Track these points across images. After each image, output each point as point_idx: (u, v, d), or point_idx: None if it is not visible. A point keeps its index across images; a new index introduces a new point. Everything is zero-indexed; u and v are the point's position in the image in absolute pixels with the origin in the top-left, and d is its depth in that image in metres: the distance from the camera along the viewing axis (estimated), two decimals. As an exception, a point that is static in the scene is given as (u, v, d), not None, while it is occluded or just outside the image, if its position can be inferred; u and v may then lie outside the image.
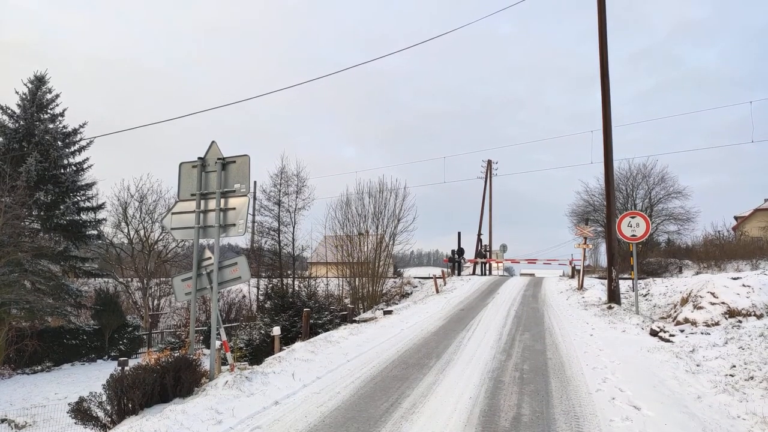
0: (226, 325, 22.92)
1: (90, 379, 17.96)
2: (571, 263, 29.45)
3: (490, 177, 42.53)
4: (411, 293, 26.74)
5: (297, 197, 29.31)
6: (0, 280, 19.33)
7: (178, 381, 6.62)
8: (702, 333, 9.70)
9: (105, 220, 27.59)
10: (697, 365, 7.65)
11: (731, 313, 10.43)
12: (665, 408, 5.71)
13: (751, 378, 6.76)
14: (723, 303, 10.80)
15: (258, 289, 30.09)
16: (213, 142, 8.19)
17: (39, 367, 20.45)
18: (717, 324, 10.32)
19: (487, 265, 37.71)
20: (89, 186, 26.15)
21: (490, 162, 42.73)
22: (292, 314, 20.63)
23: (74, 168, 25.70)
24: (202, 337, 23.21)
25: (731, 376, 6.98)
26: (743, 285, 11.06)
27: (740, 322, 9.89)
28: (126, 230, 30.56)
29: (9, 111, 24.24)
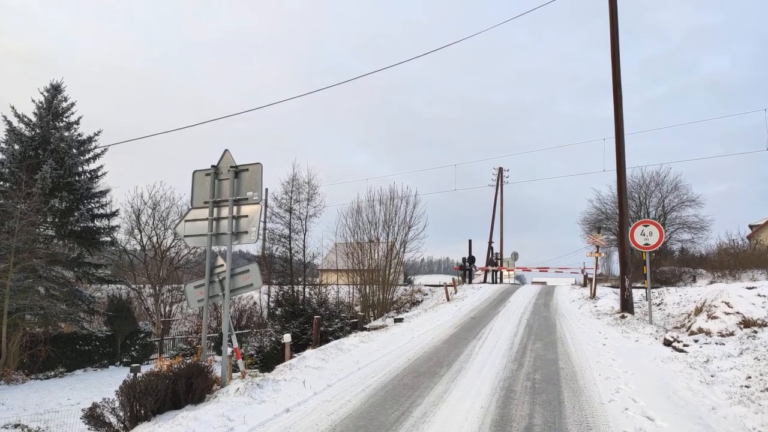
0: (237, 332, 22.99)
1: (102, 385, 18.06)
2: (583, 272, 29.24)
3: (501, 184, 42.45)
4: (421, 301, 26.66)
5: (308, 205, 29.47)
6: (15, 286, 19.55)
7: (190, 388, 6.65)
8: (716, 343, 9.58)
9: (118, 227, 27.87)
10: (712, 376, 7.56)
11: (746, 323, 10.29)
12: (679, 419, 5.65)
13: (767, 389, 6.66)
14: (738, 313, 10.66)
15: (269, 296, 30.19)
16: (226, 150, 8.27)
17: (52, 373, 20.63)
18: (732, 334, 10.18)
19: (498, 273, 37.54)
20: (103, 193, 26.45)
21: (501, 169, 42.66)
22: (302, 321, 20.69)
23: (89, 175, 26.01)
24: (213, 344, 23.30)
25: (747, 387, 6.89)
26: (758, 294, 10.91)
27: (755, 332, 9.76)
28: (139, 237, 30.84)
29: (26, 119, 24.62)
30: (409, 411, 6.15)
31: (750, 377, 7.25)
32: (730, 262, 26.68)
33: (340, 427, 5.64)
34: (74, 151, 25.29)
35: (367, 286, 27.29)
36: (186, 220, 8.59)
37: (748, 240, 36.26)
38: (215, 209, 8.22)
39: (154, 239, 30.90)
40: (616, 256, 35.88)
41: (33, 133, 24.55)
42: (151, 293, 29.76)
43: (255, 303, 31.08)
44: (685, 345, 9.66)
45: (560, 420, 5.72)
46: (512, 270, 39.60)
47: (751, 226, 40.21)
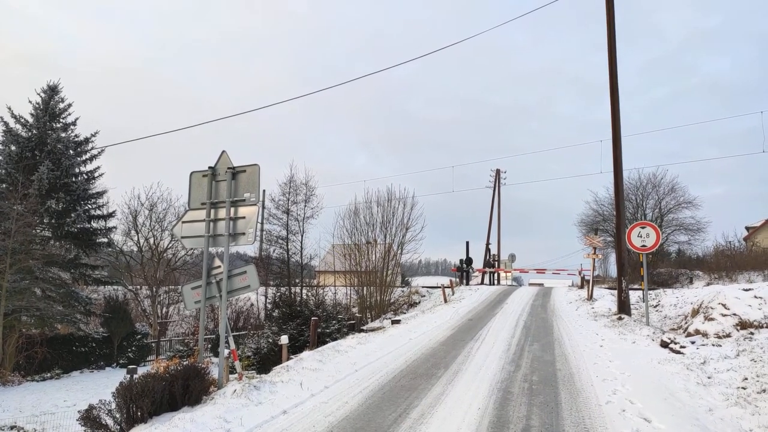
0: (234, 333, 22.95)
1: (99, 386, 18.01)
2: (580, 273, 29.29)
3: (499, 186, 42.48)
4: (419, 302, 26.65)
5: (305, 206, 29.43)
6: (11, 288, 19.49)
7: (186, 389, 6.63)
8: (713, 345, 9.60)
9: (115, 228, 27.84)
10: (709, 377, 7.57)
11: (743, 325, 10.32)
12: (676, 420, 5.65)
13: (764, 391, 6.67)
14: (734, 314, 10.69)
15: (266, 297, 30.16)
16: (223, 151, 8.26)
17: (48, 375, 20.55)
18: (728, 336, 10.21)
19: (496, 275, 37.57)
20: (100, 194, 26.40)
21: (498, 171, 42.70)
22: (299, 323, 20.62)
23: (85, 176, 25.96)
24: (210, 346, 23.25)
25: (743, 388, 6.90)
26: (755, 296, 10.95)
27: (752, 333, 9.78)
28: (136, 238, 30.84)
29: (22, 120, 24.57)
30: (406, 412, 6.14)
31: (747, 379, 7.26)
32: (726, 263, 26.79)
33: (338, 429, 5.63)
34: (71, 152, 25.24)
35: (365, 288, 27.27)
36: (183, 222, 8.58)
37: (745, 242, 36.39)
38: (212, 211, 8.21)
39: (151, 240, 30.89)
40: (613, 258, 36.01)
41: (30, 134, 24.50)
42: (148, 295, 29.71)
43: (252, 304, 31.05)
44: (681, 346, 9.67)
45: (557, 421, 5.72)
46: (509, 271, 39.61)
47: (747, 228, 40.35)
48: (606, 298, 19.49)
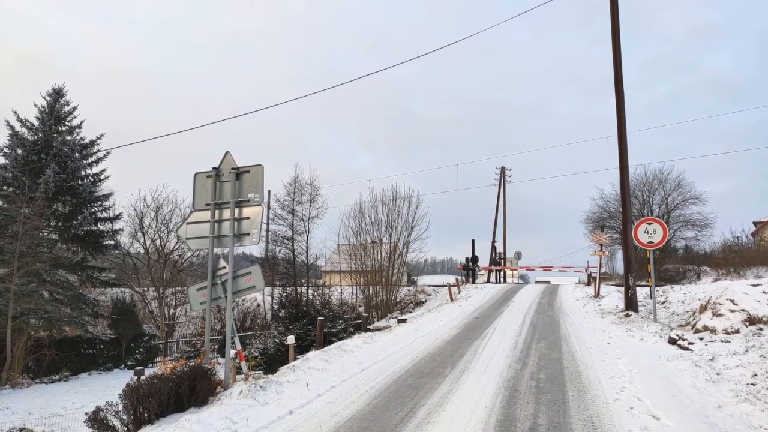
0: (241, 334, 22.97)
1: (107, 388, 18.10)
2: (587, 270, 29.17)
3: (504, 184, 42.39)
4: (425, 301, 26.61)
5: (310, 206, 29.43)
6: (19, 290, 19.59)
7: (193, 390, 6.65)
8: (722, 341, 9.53)
9: (122, 230, 27.96)
10: (717, 374, 7.51)
11: (751, 321, 10.25)
12: (685, 418, 5.61)
13: (774, 387, 6.61)
14: (743, 310, 10.62)
15: (272, 297, 30.17)
16: (227, 152, 8.26)
17: (57, 377, 20.66)
18: (737, 332, 10.14)
19: (502, 273, 37.47)
20: (106, 197, 26.51)
21: (503, 169, 42.62)
22: (306, 323, 20.66)
23: (91, 179, 26.08)
24: (216, 346, 23.30)
25: (752, 384, 6.84)
26: (763, 292, 10.88)
27: (761, 329, 9.71)
28: (142, 240, 30.92)
29: (28, 123, 24.70)
30: (413, 412, 6.13)
31: (756, 375, 7.21)
32: (734, 259, 26.54)
33: (344, 429, 5.62)
34: (77, 155, 25.35)
35: (371, 287, 27.26)
36: (188, 223, 8.58)
37: (753, 237, 36.09)
38: (217, 211, 8.21)
39: (158, 242, 30.96)
40: (620, 255, 35.75)
41: (35, 137, 24.62)
42: (155, 296, 29.81)
43: (259, 305, 31.09)
44: (690, 343, 9.61)
45: (565, 420, 5.69)
46: (516, 269, 39.51)
47: (755, 223, 40.03)
48: (613, 295, 19.40)
